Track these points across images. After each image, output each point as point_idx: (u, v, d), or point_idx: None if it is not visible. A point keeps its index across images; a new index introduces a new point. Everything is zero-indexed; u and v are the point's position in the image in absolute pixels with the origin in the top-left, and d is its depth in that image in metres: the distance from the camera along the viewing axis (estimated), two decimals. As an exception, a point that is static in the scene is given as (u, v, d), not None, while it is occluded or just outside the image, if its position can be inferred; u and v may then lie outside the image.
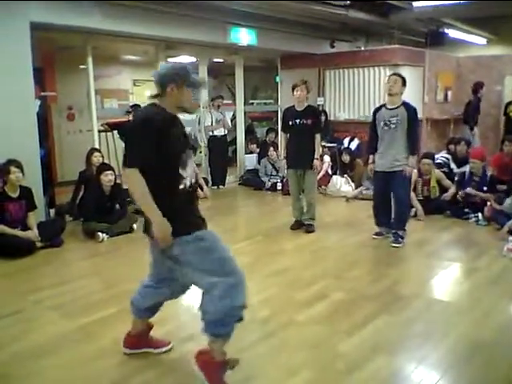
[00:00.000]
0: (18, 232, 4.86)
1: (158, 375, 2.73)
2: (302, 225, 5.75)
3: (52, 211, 5.95)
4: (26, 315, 3.53)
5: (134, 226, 5.57)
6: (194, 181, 2.64)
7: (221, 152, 8.44)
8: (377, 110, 5.12)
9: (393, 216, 5.14)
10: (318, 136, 5.52)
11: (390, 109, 4.93)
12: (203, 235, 2.55)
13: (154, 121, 2.42)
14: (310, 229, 5.62)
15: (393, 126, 4.87)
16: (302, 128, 5.48)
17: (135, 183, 2.40)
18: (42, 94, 6.63)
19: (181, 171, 2.53)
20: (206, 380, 2.53)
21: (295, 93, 5.50)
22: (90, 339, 3.13)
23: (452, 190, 6.23)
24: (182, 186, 2.53)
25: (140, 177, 2.37)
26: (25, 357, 2.93)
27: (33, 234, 4.92)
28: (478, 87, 9.11)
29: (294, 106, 5.61)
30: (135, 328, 2.91)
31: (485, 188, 5.93)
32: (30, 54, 5.32)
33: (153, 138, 2.39)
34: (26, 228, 4.96)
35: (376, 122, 5.04)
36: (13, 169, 4.83)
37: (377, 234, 5.31)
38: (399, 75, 5.00)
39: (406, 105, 4.92)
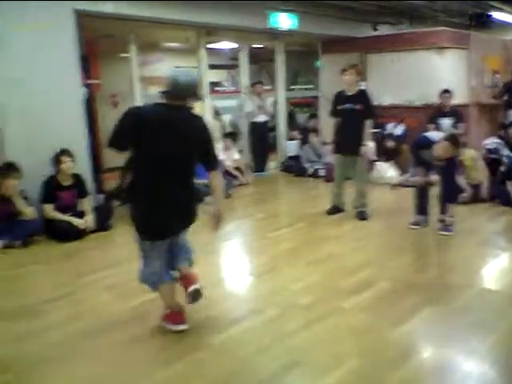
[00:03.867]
0: (72, 219, 5.01)
1: (205, 357, 2.78)
2: (339, 210, 5.73)
3: (101, 196, 6.12)
4: (78, 296, 3.66)
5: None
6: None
7: (262, 138, 8.43)
8: None
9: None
10: (368, 122, 5.43)
11: None
12: None
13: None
14: (362, 216, 5.54)
15: None
16: (351, 113, 5.40)
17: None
18: (88, 81, 6.76)
19: None
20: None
21: (344, 77, 5.42)
22: (141, 320, 3.22)
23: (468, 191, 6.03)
24: None
25: None
26: (78, 337, 3.04)
27: (86, 222, 5.07)
28: None
29: (344, 91, 5.53)
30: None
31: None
32: (77, 42, 5.44)
33: None
34: (78, 214, 5.13)
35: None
36: (64, 158, 4.99)
37: (414, 223, 5.17)
38: None
39: None
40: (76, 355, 2.85)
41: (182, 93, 2.70)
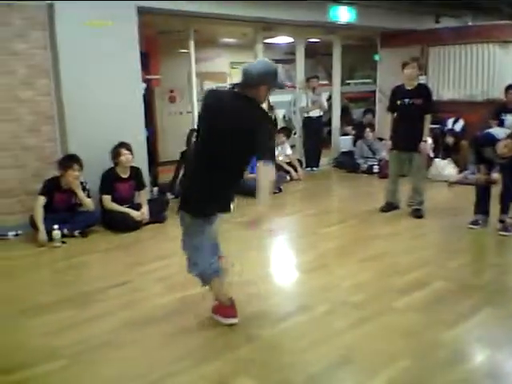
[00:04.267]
0: (130, 211, 5.16)
1: (254, 351, 2.80)
2: (393, 207, 5.62)
3: (156, 189, 6.30)
4: (134, 285, 3.78)
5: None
6: None
7: (315, 133, 8.37)
8: None
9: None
10: (428, 117, 5.29)
11: None
12: None
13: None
14: (418, 213, 5.41)
15: None
16: (410, 108, 5.28)
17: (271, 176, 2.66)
18: (147, 77, 6.95)
19: None
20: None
21: (406, 71, 5.30)
22: (191, 311, 3.27)
23: None
24: None
25: None
26: (132, 325, 3.13)
27: (142, 214, 5.20)
28: None
29: (403, 85, 5.40)
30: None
31: None
32: (138, 38, 5.59)
33: None
34: (134, 206, 5.28)
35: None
36: (123, 151, 5.15)
37: (473, 222, 4.97)
38: None
39: None
40: (126, 343, 2.92)
41: (251, 81, 2.70)
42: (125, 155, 5.14)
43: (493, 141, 4.66)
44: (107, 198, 5.15)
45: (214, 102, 2.85)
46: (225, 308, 3.08)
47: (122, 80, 5.51)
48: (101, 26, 5.21)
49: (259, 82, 2.70)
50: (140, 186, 5.36)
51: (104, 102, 5.33)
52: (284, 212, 5.85)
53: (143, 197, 5.37)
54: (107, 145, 5.13)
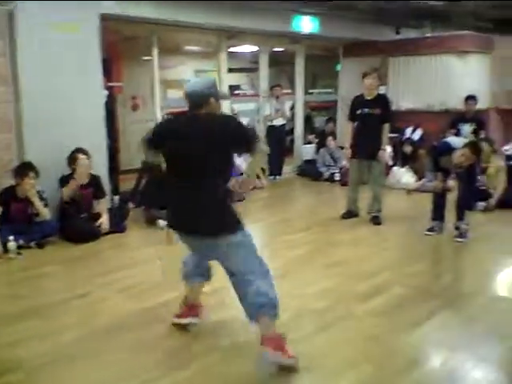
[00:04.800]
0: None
1: (214, 361, 2.79)
2: (354, 215, 5.73)
3: (116, 198, 6.20)
4: (93, 297, 3.69)
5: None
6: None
7: (279, 142, 8.38)
8: None
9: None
10: (386, 126, 5.43)
11: None
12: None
13: None
14: (376, 221, 5.53)
15: None
16: (369, 117, 5.40)
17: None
18: (109, 84, 6.86)
19: None
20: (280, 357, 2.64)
21: (365, 81, 5.40)
22: (155, 321, 3.24)
23: (497, 194, 5.98)
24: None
25: None
26: (92, 338, 3.07)
27: (102, 223, 5.11)
28: None
29: (362, 95, 5.51)
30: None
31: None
32: (100, 45, 5.51)
33: None
34: (91, 214, 5.18)
35: None
36: (80, 156, 5.03)
37: (430, 229, 5.10)
38: None
39: None
40: (87, 356, 2.86)
41: (201, 98, 2.72)
42: (82, 160, 5.03)
43: (450, 150, 4.81)
44: (65, 188, 5.01)
45: (174, 132, 2.77)
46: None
47: (83, 87, 5.42)
48: (68, 31, 5.15)
49: (207, 95, 2.72)
50: (99, 194, 5.27)
51: (64, 109, 5.23)
52: (248, 220, 5.85)
53: (103, 205, 5.27)
54: (66, 154, 5.02)
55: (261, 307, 2.65)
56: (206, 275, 3.08)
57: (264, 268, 2.76)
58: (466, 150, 4.66)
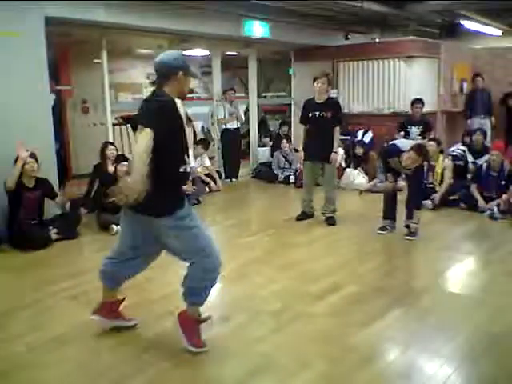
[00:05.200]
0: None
1: (170, 366, 2.76)
2: (308, 216, 5.80)
3: (67, 204, 6.01)
4: (43, 306, 3.58)
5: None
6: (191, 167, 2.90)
7: (234, 145, 8.44)
8: None
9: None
10: (337, 129, 5.52)
11: None
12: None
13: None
14: (331, 221, 5.61)
15: None
16: (321, 120, 5.47)
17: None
18: (57, 87, 6.68)
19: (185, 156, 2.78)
20: (184, 334, 2.87)
21: (316, 85, 5.48)
22: (104, 330, 3.14)
23: (441, 191, 6.22)
24: (182, 170, 2.77)
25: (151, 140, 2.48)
26: (44, 346, 2.98)
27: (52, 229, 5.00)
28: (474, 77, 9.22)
29: (313, 98, 5.59)
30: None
31: (503, 182, 5.87)
32: (45, 48, 5.36)
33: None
34: (41, 220, 5.03)
35: None
36: (28, 159, 4.86)
37: (381, 228, 5.24)
38: None
39: None
40: (41, 365, 2.78)
41: (168, 70, 2.66)
42: (29, 163, 4.85)
43: (398, 152, 4.96)
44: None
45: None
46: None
47: (29, 91, 5.24)
48: (9, 35, 4.98)
49: (176, 67, 2.65)
50: (53, 194, 5.17)
51: (10, 113, 5.05)
52: (204, 223, 5.82)
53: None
54: (12, 159, 4.83)
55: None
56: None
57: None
58: (411, 152, 4.81)
